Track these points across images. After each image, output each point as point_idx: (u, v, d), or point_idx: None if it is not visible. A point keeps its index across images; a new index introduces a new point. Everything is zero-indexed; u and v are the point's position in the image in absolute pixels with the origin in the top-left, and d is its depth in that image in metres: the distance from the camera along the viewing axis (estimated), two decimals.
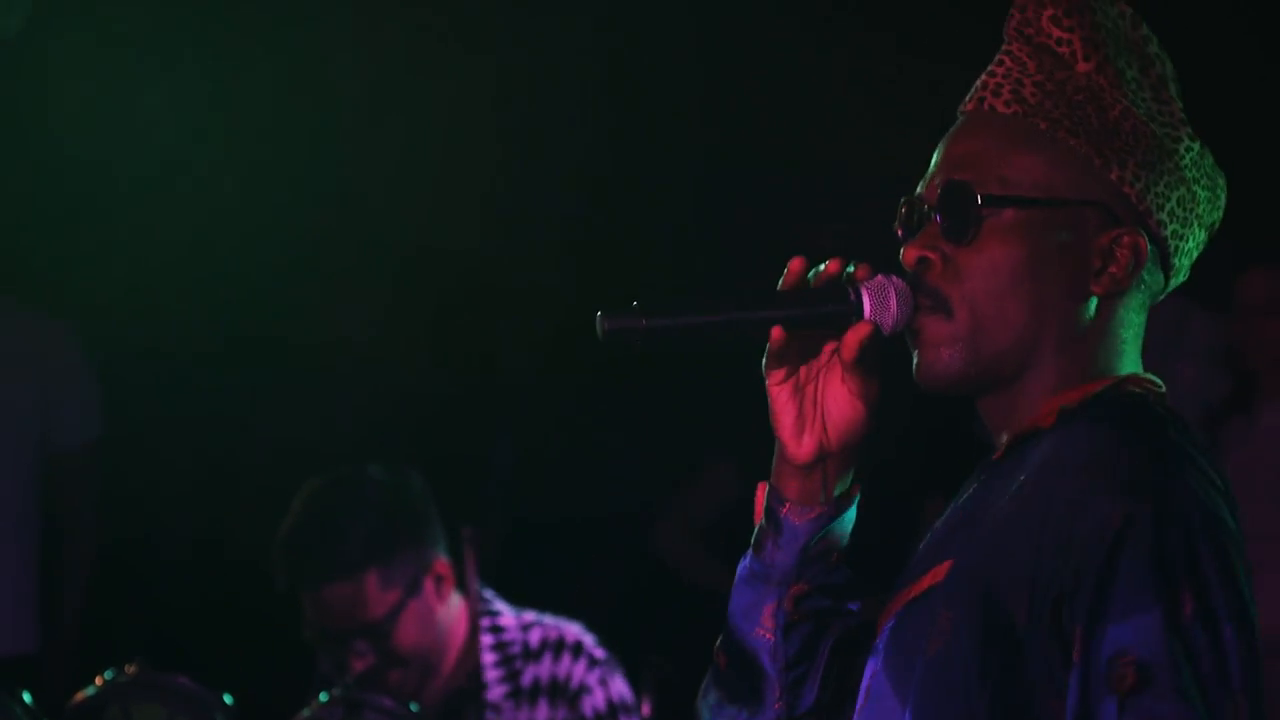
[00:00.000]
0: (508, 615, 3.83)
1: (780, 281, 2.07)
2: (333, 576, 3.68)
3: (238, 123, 5.55)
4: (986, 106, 2.05)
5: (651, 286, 5.44)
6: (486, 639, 3.79)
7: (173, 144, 5.55)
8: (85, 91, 5.49)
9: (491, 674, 3.78)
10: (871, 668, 2.03)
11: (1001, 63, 2.06)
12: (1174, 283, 2.09)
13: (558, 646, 3.78)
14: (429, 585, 3.75)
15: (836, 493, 2.09)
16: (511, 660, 3.78)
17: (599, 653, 3.80)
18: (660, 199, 5.75)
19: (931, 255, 2.03)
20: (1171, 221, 2.04)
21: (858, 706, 2.02)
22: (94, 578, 5.22)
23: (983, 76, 2.08)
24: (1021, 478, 1.97)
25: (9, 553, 5.05)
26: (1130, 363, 2.06)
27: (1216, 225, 2.10)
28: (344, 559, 3.67)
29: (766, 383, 2.11)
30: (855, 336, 2.03)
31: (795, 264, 2.07)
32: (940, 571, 1.97)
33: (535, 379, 5.65)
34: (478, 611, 3.79)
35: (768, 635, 2.11)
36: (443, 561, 3.78)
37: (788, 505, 2.09)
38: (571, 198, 5.76)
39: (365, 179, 5.71)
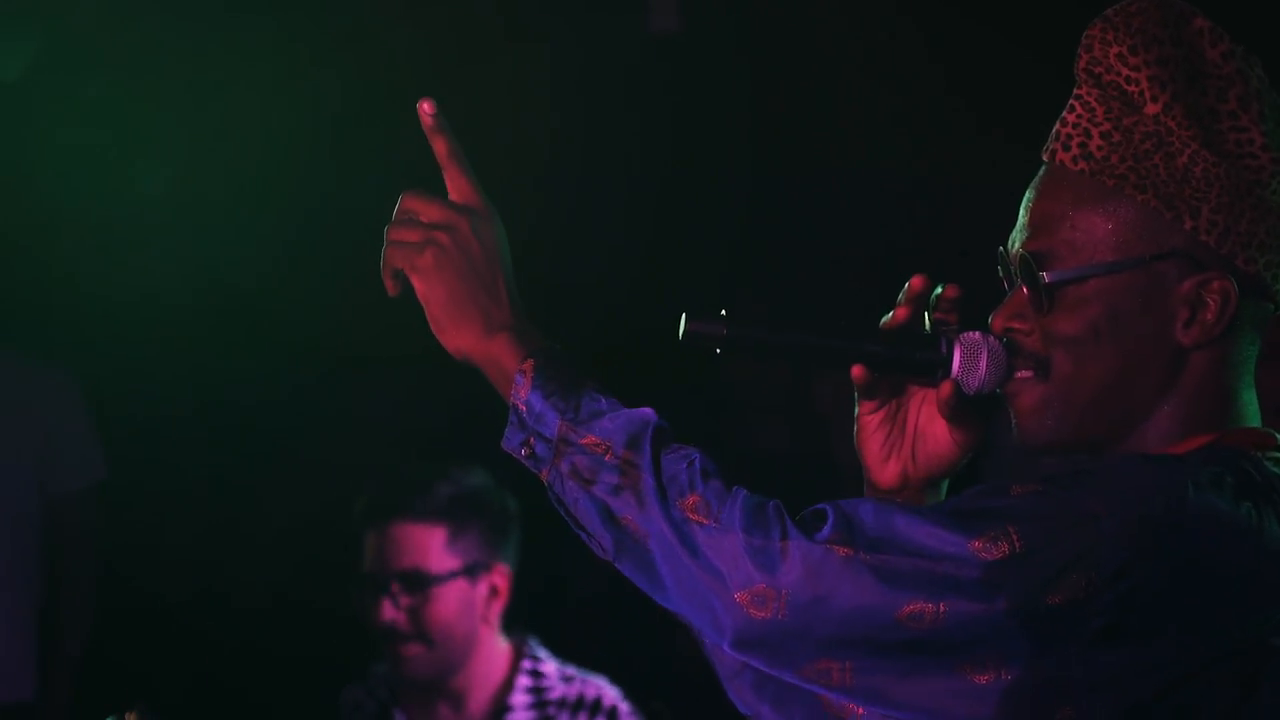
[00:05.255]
0: (550, 663, 3.91)
1: (882, 320, 2.09)
2: (409, 514, 3.84)
3: (247, 148, 5.54)
4: (1058, 161, 2.03)
5: (697, 290, 5.47)
6: (524, 680, 3.87)
7: (179, 172, 5.56)
8: (79, 136, 5.48)
9: (522, 715, 3.85)
10: None
11: (1072, 109, 2.04)
12: None
13: (594, 707, 3.86)
14: (484, 586, 3.86)
15: None
16: (545, 705, 3.86)
17: None
18: (709, 202, 5.75)
19: (1018, 325, 2.04)
20: (1263, 255, 1.99)
21: None
22: (95, 622, 5.21)
23: (1056, 125, 2.06)
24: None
25: (8, 598, 5.04)
26: (1240, 412, 2.03)
27: None
28: (425, 502, 3.84)
29: (857, 409, 2.13)
30: (941, 395, 2.04)
31: (901, 311, 2.09)
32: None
33: None
34: (521, 652, 3.88)
35: None
36: (503, 572, 3.88)
37: None
38: (618, 201, 5.75)
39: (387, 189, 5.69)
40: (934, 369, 2.05)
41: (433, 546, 3.82)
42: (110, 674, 5.20)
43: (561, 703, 3.86)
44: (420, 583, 3.80)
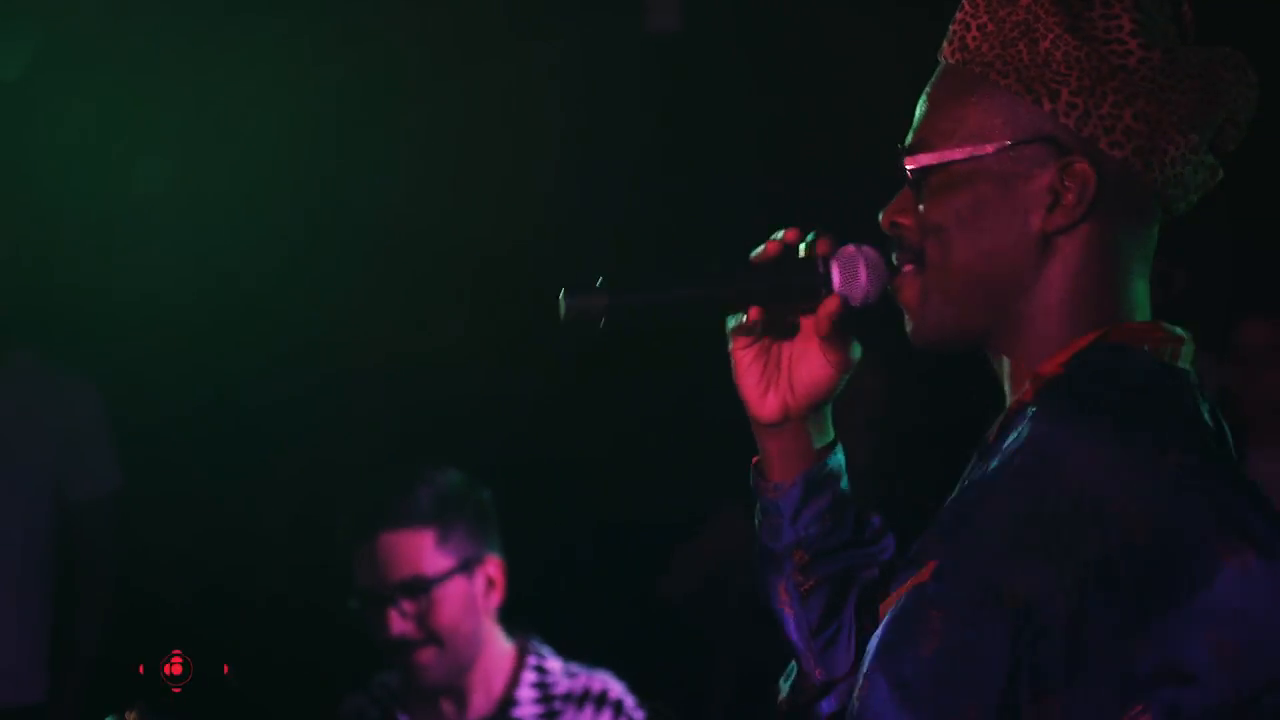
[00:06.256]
0: (554, 660, 3.94)
1: (753, 255, 2.08)
2: (396, 524, 3.83)
3: (247, 147, 5.54)
4: (943, 57, 2.04)
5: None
6: (529, 675, 3.90)
7: (179, 171, 5.56)
8: (79, 136, 5.48)
9: (528, 709, 3.87)
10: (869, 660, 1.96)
11: (962, 7, 2.04)
12: (1179, 195, 1.99)
13: (600, 699, 3.88)
14: (481, 579, 3.88)
15: (817, 445, 2.12)
16: (551, 700, 3.88)
17: (638, 715, 3.89)
18: (709, 200, 5.75)
19: (901, 219, 2.02)
20: (1131, 139, 1.95)
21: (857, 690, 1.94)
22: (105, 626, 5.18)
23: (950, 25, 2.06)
24: (996, 464, 1.92)
25: (21, 602, 5.04)
26: (1127, 306, 1.98)
27: (1237, 118, 2.00)
28: (409, 509, 3.84)
29: (731, 346, 2.12)
30: (826, 311, 2.04)
31: (771, 245, 2.08)
32: (925, 573, 1.89)
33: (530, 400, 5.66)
34: (526, 649, 3.90)
35: (787, 609, 2.15)
36: (496, 563, 3.90)
37: (768, 482, 2.14)
38: (618, 199, 5.76)
39: (377, 184, 5.71)
40: (817, 290, 2.04)
41: (425, 550, 3.83)
42: (111, 674, 5.20)
43: (568, 696, 3.88)
44: (421, 588, 3.81)
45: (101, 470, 5.16)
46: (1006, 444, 1.92)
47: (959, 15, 2.04)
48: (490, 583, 3.88)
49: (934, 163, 1.99)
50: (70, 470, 5.09)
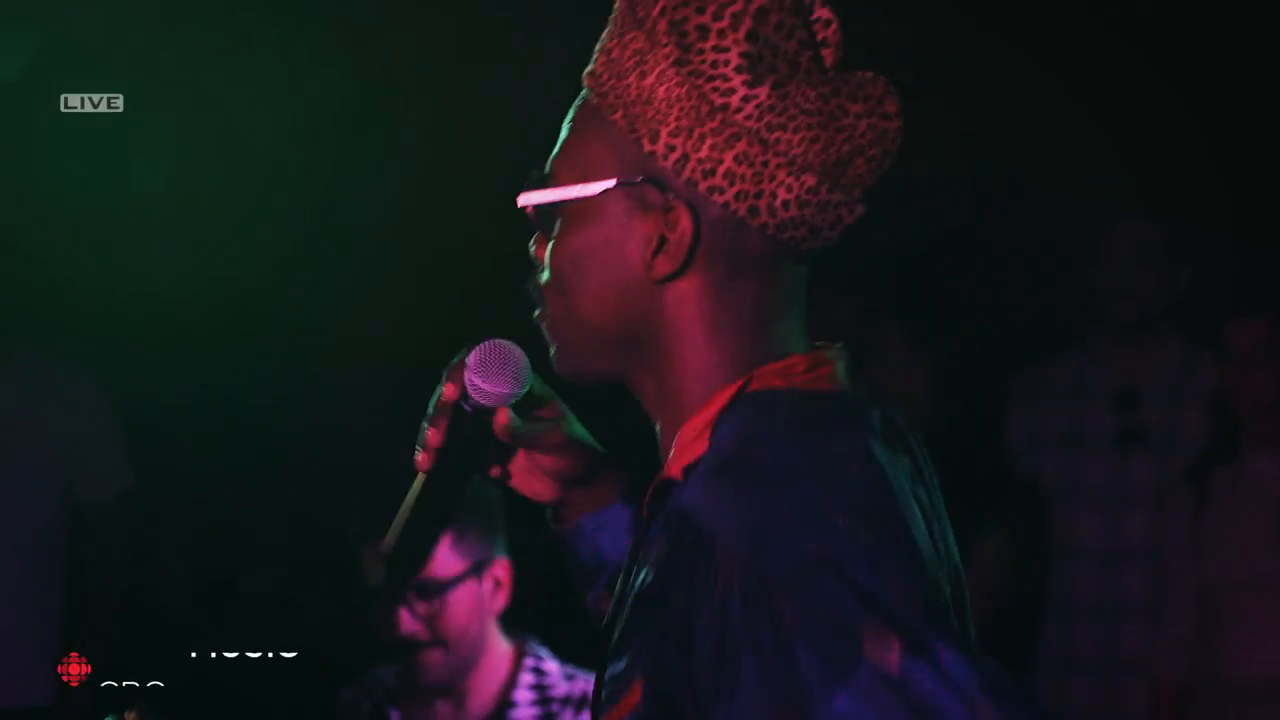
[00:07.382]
0: (552, 663, 3.95)
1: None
2: None
3: (246, 146, 5.55)
4: (584, 82, 1.90)
5: None
6: (527, 677, 3.91)
7: (178, 170, 5.57)
8: (79, 135, 5.49)
9: (525, 711, 3.88)
10: None
11: (605, 25, 1.89)
12: (803, 237, 1.82)
13: None
14: (489, 581, 3.87)
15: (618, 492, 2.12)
16: (549, 701, 3.89)
17: None
18: None
19: (538, 255, 1.92)
20: (733, 183, 1.79)
21: None
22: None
23: None
24: (648, 565, 1.74)
25: (28, 604, 5.05)
26: (764, 345, 1.83)
27: (869, 151, 1.82)
28: None
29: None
30: (499, 429, 1.99)
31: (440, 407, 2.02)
32: (635, 693, 1.72)
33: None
34: (524, 651, 3.92)
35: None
36: (504, 564, 3.90)
37: (590, 510, 2.15)
38: None
39: (368, 182, 5.72)
40: (479, 420, 2.01)
41: (439, 553, 3.83)
42: (110, 674, 5.20)
43: (565, 699, 3.89)
44: (435, 590, 3.81)
45: (109, 471, 5.17)
46: (652, 535, 1.75)
47: (601, 36, 1.89)
48: (497, 584, 3.89)
49: (541, 202, 1.88)
50: (77, 470, 5.09)
